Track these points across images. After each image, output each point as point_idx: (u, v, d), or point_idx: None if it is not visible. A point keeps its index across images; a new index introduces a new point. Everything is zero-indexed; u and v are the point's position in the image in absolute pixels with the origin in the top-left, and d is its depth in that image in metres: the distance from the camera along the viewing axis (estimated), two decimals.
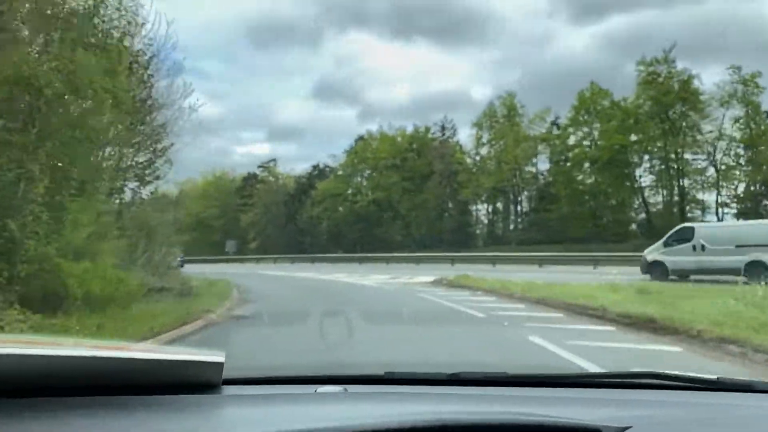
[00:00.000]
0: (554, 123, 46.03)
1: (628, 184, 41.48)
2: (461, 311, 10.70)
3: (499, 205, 50.27)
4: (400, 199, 50.06)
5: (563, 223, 40.47)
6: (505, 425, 0.94)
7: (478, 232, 52.03)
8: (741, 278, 14.48)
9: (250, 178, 71.85)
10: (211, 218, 69.44)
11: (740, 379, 1.36)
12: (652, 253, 18.17)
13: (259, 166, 71.32)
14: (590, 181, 42.80)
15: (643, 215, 42.57)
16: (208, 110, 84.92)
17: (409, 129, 54.07)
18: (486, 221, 51.25)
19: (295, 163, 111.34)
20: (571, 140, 43.54)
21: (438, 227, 48.79)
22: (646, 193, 41.82)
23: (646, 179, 41.56)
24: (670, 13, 56.52)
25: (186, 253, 66.08)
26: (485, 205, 51.32)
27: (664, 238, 18.11)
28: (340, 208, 53.90)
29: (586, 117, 42.32)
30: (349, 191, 54.70)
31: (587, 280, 15.50)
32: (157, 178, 14.94)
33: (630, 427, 0.99)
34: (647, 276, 17.40)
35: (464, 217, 50.73)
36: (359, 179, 55.64)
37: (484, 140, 47.20)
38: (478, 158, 48.60)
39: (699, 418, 1.14)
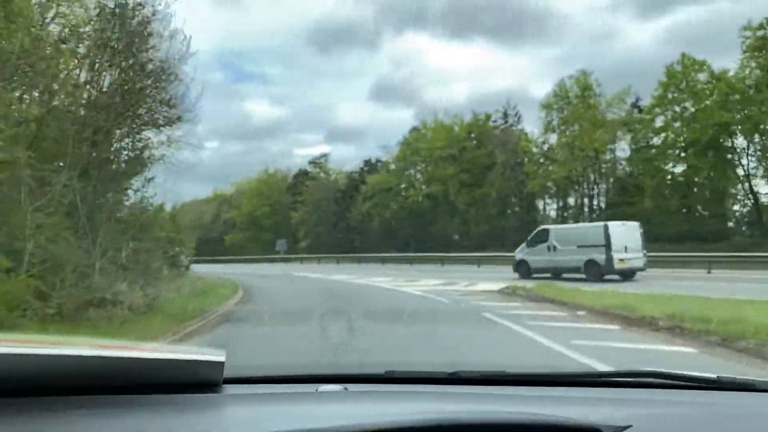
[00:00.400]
0: (635, 105, 40.06)
1: (730, 171, 35.04)
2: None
3: (570, 199, 44.55)
4: (457, 193, 45.28)
5: (647, 219, 34.48)
6: (505, 424, 0.94)
7: None
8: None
9: (301, 175, 69.23)
10: (263, 217, 68.14)
11: (740, 378, 1.34)
12: (519, 252, 20.08)
13: (310, 162, 68.59)
14: (681, 170, 36.60)
15: (746, 209, 35.97)
16: (269, 113, 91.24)
17: (467, 117, 49.16)
18: (555, 217, 45.65)
19: (353, 163, 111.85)
20: (658, 123, 37.33)
21: (500, 224, 43.74)
22: (755, 182, 35.06)
23: (753, 165, 34.81)
24: (742, 2, 50.35)
25: (238, 253, 64.89)
26: (554, 200, 45.69)
27: (528, 238, 20.10)
28: (392, 204, 49.72)
29: (675, 95, 36.10)
30: (402, 185, 50.42)
31: (725, 290, 11.01)
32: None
33: (630, 426, 0.98)
34: (516, 275, 19.20)
35: (530, 213, 45.42)
36: (412, 172, 51.20)
37: (554, 124, 41.48)
38: (546, 146, 43.02)
39: (699, 417, 1.14)
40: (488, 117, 48.57)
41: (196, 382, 1.10)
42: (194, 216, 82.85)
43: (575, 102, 40.05)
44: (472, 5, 69.65)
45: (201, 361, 1.11)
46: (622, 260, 17.39)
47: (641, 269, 17.90)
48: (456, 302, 12.06)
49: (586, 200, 42.76)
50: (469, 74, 78.88)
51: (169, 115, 11.91)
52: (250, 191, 72.69)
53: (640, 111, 39.20)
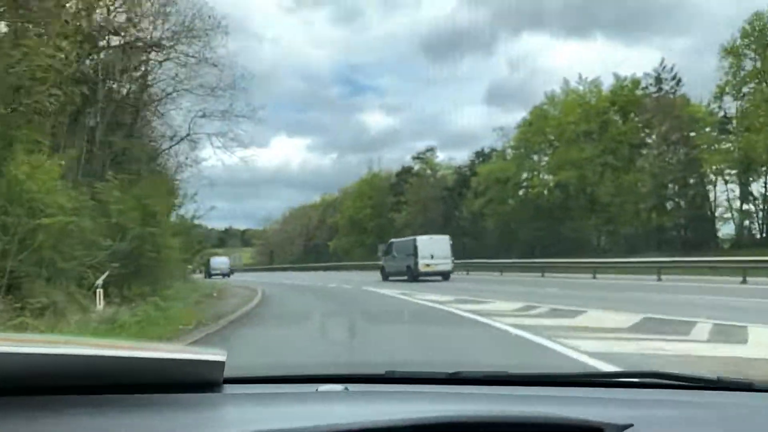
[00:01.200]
0: None
1: None
2: None
3: (760, 185, 32.21)
4: (597, 181, 34.84)
5: None
6: (506, 424, 0.95)
7: (720, 227, 34.60)
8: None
9: (404, 173, 61.96)
10: (365, 219, 63.34)
11: (741, 379, 1.35)
12: (381, 260, 26.97)
13: (415, 158, 60.96)
14: None
15: None
16: (383, 123, 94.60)
17: (607, 85, 38.29)
18: (737, 211, 33.43)
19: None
20: None
21: (658, 220, 32.67)
22: None
23: None
24: None
25: (342, 258, 59.41)
26: (731, 186, 33.45)
27: (384, 249, 27.03)
28: (510, 200, 40.25)
29: None
30: (522, 176, 40.65)
31: None
32: None
33: (631, 425, 0.99)
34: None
35: (701, 204, 33.74)
36: (536, 159, 41.12)
37: (742, 77, 29.53)
38: (728, 111, 31.12)
39: (700, 417, 1.15)
40: (636, 83, 37.50)
41: (197, 381, 1.10)
42: (301, 222, 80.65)
43: None
44: (591, 1, 65.23)
45: (201, 361, 1.11)
46: (427, 265, 22.81)
47: (449, 272, 23.09)
48: None
49: None
50: (589, 71, 75.28)
51: None
52: (353, 193, 67.79)
53: None
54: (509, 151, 42.51)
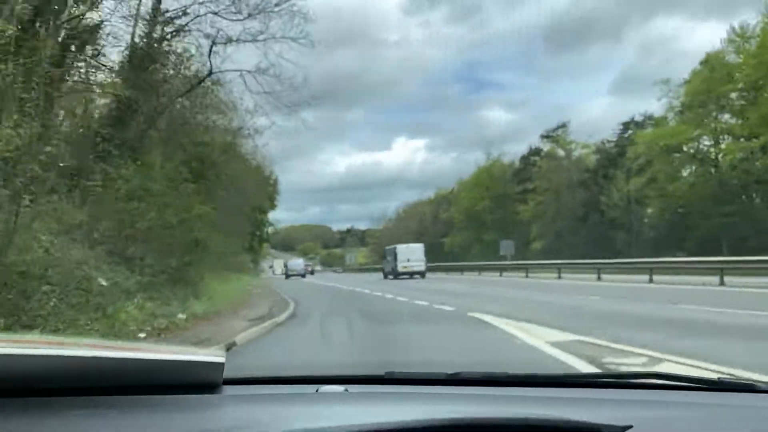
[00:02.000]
0: None
1: None
2: None
3: None
4: None
5: None
6: (506, 425, 0.95)
7: None
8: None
9: (531, 155, 52.78)
10: (484, 212, 55.12)
11: (741, 380, 1.36)
12: (384, 263, 34.99)
13: (544, 137, 51.55)
14: None
15: None
16: (504, 119, 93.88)
17: None
18: None
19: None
20: None
21: None
22: None
23: None
24: None
25: (459, 257, 52.51)
26: None
27: (385, 253, 35.39)
28: (683, 176, 29.90)
29: None
30: (702, 143, 29.90)
31: None
32: None
33: (630, 426, 0.99)
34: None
35: None
36: (713, 121, 29.91)
37: None
38: None
39: (700, 419, 1.15)
40: None
41: (196, 383, 1.10)
42: (415, 219, 74.95)
43: None
44: None
45: (201, 362, 1.12)
46: (404, 267, 30.57)
47: (422, 272, 30.35)
48: None
49: None
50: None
51: None
52: (469, 183, 59.94)
53: None
54: (671, 116, 31.82)
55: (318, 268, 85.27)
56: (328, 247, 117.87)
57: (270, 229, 59.57)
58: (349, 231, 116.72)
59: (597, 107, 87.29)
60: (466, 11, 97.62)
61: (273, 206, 53.31)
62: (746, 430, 1.10)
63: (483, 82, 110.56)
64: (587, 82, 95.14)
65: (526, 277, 27.15)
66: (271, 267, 59.75)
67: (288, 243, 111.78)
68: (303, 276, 42.03)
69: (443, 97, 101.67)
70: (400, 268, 30.25)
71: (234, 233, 33.86)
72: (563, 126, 50.29)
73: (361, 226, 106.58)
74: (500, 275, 29.97)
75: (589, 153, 46.99)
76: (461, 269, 35.25)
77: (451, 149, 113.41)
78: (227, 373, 1.14)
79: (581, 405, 1.17)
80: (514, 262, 34.93)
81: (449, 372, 1.38)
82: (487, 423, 0.95)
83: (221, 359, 1.10)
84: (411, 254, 31.10)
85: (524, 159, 53.72)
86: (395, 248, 32.18)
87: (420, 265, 30.51)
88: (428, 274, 30.31)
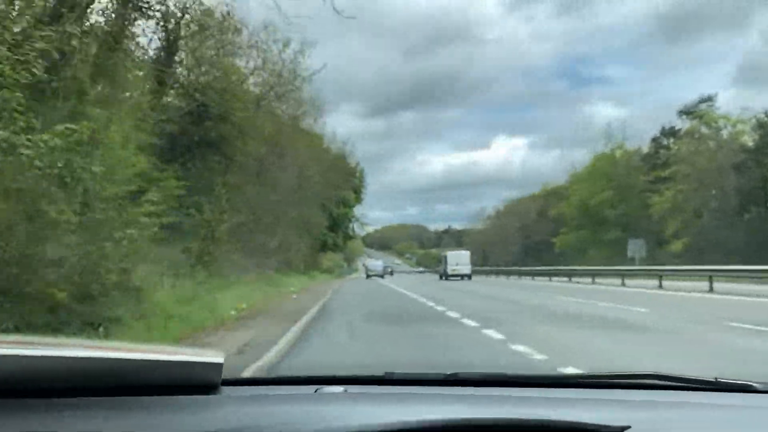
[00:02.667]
0: None
1: None
2: None
3: None
4: None
5: None
6: (504, 425, 0.96)
7: None
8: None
9: (665, 136, 43.59)
10: (604, 205, 46.73)
11: (738, 380, 1.35)
12: (439, 266, 42.53)
13: (682, 113, 42.11)
14: None
15: None
16: (612, 115, 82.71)
17: None
18: None
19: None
20: None
21: None
22: None
23: None
24: None
25: (572, 260, 44.78)
26: None
27: (440, 258, 43.10)
28: None
29: None
30: None
31: None
32: None
33: (628, 427, 0.99)
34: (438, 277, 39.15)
35: None
36: None
37: None
38: None
39: (697, 419, 1.16)
40: None
41: (195, 383, 1.11)
42: (518, 216, 67.24)
43: None
44: None
45: (199, 363, 1.13)
46: (453, 270, 36.89)
47: (468, 275, 36.54)
48: None
49: None
50: None
51: None
52: (584, 173, 51.37)
53: None
54: None
55: (420, 268, 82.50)
56: (424, 246, 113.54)
57: (362, 227, 56.30)
58: (446, 231, 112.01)
59: (719, 100, 78.15)
60: (573, 3, 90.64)
61: (358, 200, 48.89)
62: (743, 431, 1.10)
63: (588, 77, 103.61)
64: (702, 74, 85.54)
65: (660, 287, 19.69)
66: (364, 266, 58.00)
67: (384, 242, 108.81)
68: (381, 276, 43.50)
69: (545, 94, 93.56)
70: (449, 271, 36.81)
71: (296, 227, 29.27)
72: (708, 99, 40.69)
73: (458, 225, 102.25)
74: (622, 283, 22.54)
75: (745, 129, 37.18)
76: (569, 274, 29.63)
77: (553, 147, 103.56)
78: (226, 374, 1.14)
79: (579, 405, 1.17)
80: (644, 267, 27.23)
81: (448, 372, 1.39)
82: (486, 423, 0.96)
83: (220, 359, 1.10)
84: (459, 259, 38.14)
85: (655, 141, 44.60)
86: (446, 255, 39.99)
87: (466, 268, 37.05)
88: (511, 279, 31.26)
